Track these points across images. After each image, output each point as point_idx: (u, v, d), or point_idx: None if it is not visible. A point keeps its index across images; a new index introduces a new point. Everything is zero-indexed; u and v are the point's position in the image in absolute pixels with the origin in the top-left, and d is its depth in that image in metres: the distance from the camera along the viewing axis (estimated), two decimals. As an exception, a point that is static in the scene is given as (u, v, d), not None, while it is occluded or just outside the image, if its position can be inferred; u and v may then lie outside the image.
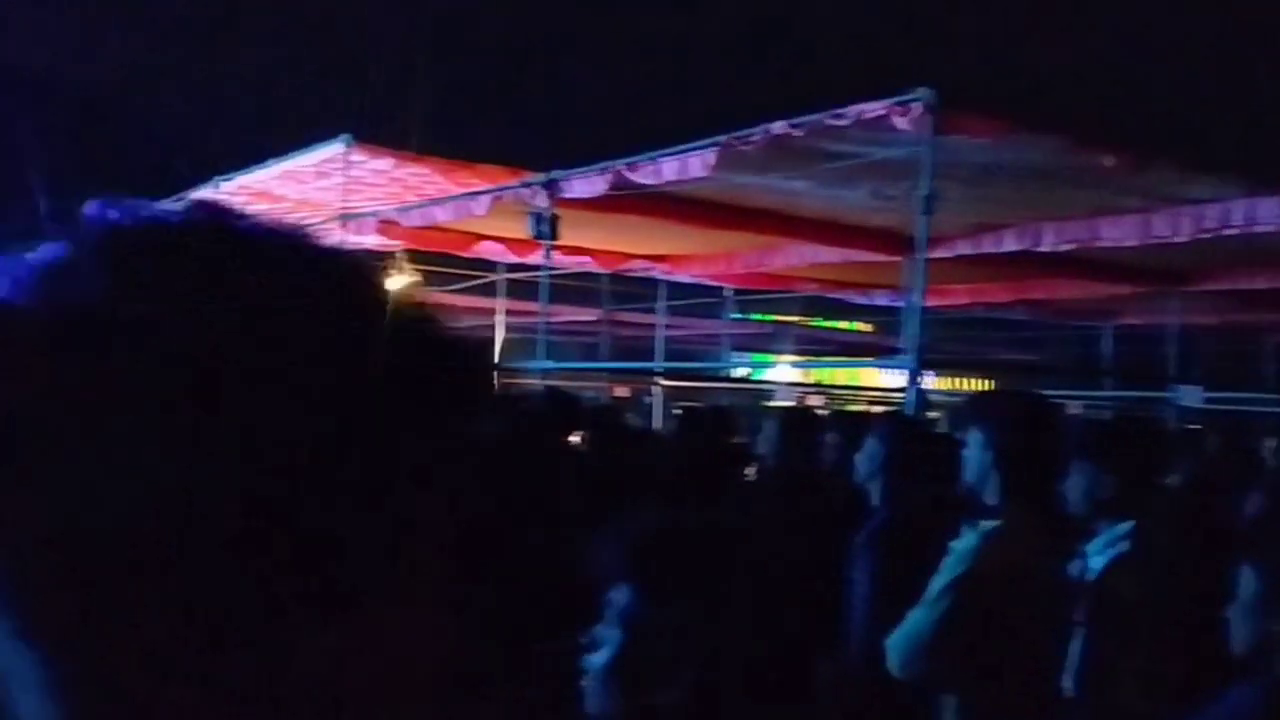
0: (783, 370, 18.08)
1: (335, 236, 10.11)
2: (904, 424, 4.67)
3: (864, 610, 3.36)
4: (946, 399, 11.55)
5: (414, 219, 9.19)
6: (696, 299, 14.07)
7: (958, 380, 16.88)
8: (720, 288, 13.46)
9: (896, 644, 2.77)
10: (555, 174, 7.87)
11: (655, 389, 12.73)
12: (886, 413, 6.42)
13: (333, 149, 8.91)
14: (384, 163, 9.19)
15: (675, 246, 11.11)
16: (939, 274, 8.67)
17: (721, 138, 6.67)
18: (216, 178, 10.45)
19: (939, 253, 8.01)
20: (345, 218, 9.56)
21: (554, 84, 25.89)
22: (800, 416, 5.91)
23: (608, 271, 12.76)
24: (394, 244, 10.16)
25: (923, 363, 6.09)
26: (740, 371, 18.27)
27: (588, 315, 14.86)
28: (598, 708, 1.63)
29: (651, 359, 14.19)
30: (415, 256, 11.60)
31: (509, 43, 25.30)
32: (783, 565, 3.12)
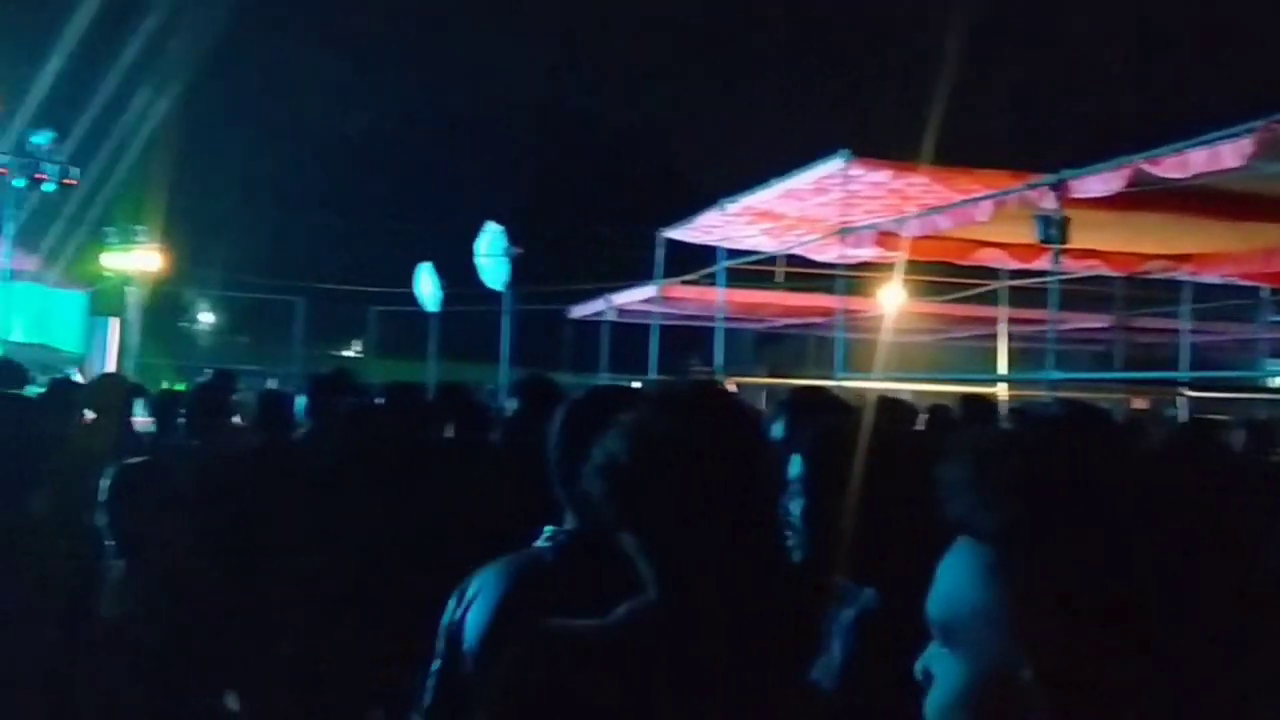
0: (1333, 379, 15.93)
1: (833, 250, 10.31)
2: None
3: None
4: None
5: (913, 229, 9.10)
6: (1226, 301, 12.87)
7: None
8: (1255, 288, 12.24)
9: None
10: (1065, 173, 7.45)
11: (1180, 400, 11.66)
12: None
13: (831, 165, 9.09)
14: (882, 175, 9.22)
15: (1201, 244, 10.15)
16: None
17: (1259, 122, 5.99)
18: (723, 200, 10.99)
19: None
20: (844, 232, 9.69)
21: (1050, 81, 24.75)
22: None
23: (1122, 275, 11.98)
24: (893, 255, 10.15)
25: None
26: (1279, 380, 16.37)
27: (1098, 322, 14.02)
28: None
29: (1171, 368, 13.06)
30: (914, 267, 11.53)
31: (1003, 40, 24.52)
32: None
